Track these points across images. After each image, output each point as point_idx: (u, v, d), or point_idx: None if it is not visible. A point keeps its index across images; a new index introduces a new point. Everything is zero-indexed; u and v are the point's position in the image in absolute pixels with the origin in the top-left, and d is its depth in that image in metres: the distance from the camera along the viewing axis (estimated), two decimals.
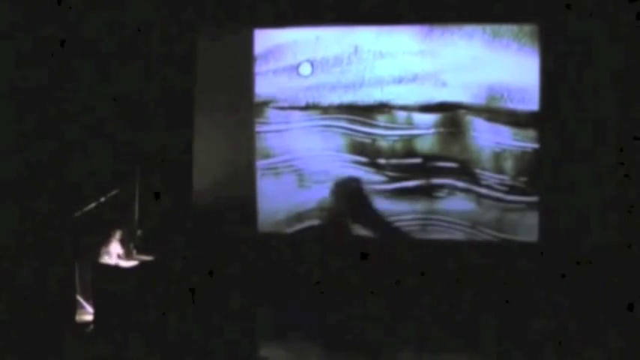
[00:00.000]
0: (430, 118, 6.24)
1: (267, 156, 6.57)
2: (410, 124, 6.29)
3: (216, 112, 6.59)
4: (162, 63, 6.49)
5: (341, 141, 6.45)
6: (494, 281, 6.10)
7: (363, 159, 6.42)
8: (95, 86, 6.16)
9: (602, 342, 5.27)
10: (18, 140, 5.71)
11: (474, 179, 6.21)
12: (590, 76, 5.87)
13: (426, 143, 6.28)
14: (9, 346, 5.24)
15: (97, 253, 5.91)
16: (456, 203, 6.25)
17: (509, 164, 6.16)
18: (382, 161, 6.39)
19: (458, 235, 6.29)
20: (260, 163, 6.58)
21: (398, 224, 6.38)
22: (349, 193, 6.42)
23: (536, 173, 6.11)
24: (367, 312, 6.00)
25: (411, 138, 6.30)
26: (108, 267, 5.84)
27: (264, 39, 6.50)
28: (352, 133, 6.41)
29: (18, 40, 5.76)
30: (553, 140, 6.04)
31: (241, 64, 6.54)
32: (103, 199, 6.09)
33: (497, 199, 6.19)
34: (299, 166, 6.54)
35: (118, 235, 5.97)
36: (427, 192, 6.31)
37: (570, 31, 5.91)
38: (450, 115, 6.21)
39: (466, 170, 6.22)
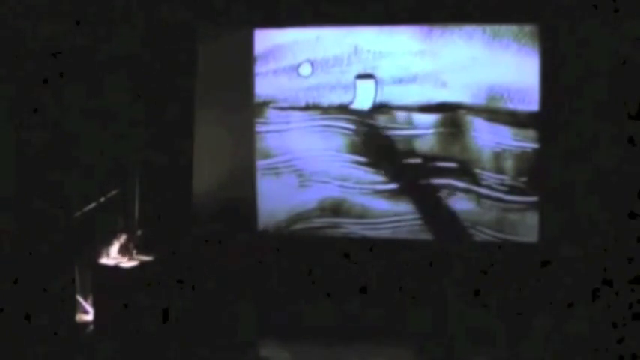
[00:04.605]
0: (430, 118, 6.24)
1: (267, 156, 6.57)
2: (410, 124, 6.29)
3: (216, 112, 6.59)
4: (161, 63, 6.48)
5: (341, 141, 6.45)
6: (495, 281, 6.09)
7: (363, 159, 6.42)
8: (95, 86, 6.17)
9: (601, 341, 5.28)
10: (17, 140, 5.71)
11: (474, 179, 6.21)
12: (590, 76, 5.86)
13: (426, 143, 6.27)
14: (9, 347, 5.25)
15: (97, 253, 5.92)
16: (456, 203, 6.25)
17: (509, 164, 6.16)
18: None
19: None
20: (260, 163, 6.58)
21: (398, 224, 6.38)
22: None
23: (536, 173, 6.10)
24: (367, 312, 6.01)
25: (411, 138, 6.30)
26: (108, 267, 5.85)
27: (264, 39, 6.50)
28: (352, 133, 6.41)
29: (16, 38, 5.77)
30: (553, 140, 6.03)
31: (241, 64, 6.54)
32: (103, 199, 6.09)
33: (498, 200, 6.19)
34: (299, 166, 6.54)
35: (118, 235, 5.98)
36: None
37: (570, 31, 5.90)
38: (450, 115, 6.20)
39: (466, 170, 6.21)
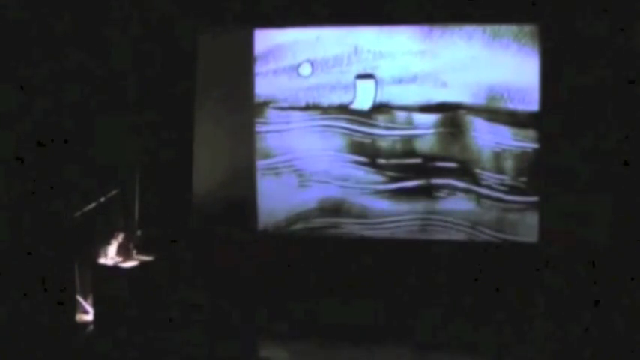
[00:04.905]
0: (430, 118, 6.24)
1: (267, 156, 6.57)
2: (410, 124, 6.29)
3: (216, 112, 6.60)
4: (161, 63, 6.49)
5: (341, 141, 6.45)
6: (495, 281, 6.09)
7: (363, 159, 6.42)
8: (95, 87, 6.17)
9: (602, 342, 5.28)
10: (17, 140, 5.72)
11: (474, 179, 6.21)
12: (590, 76, 5.86)
13: (426, 143, 6.27)
14: (9, 347, 5.25)
15: (97, 253, 5.92)
16: (456, 203, 6.25)
17: (509, 164, 6.16)
18: (382, 161, 6.39)
19: (458, 236, 6.28)
20: (260, 163, 6.58)
21: (398, 224, 6.38)
22: None
23: (536, 173, 6.10)
24: (367, 312, 6.00)
25: (411, 138, 6.30)
26: (108, 267, 5.85)
27: (264, 39, 6.50)
28: (352, 133, 6.41)
29: (15, 37, 5.77)
30: (553, 140, 6.03)
31: (241, 64, 6.54)
32: (103, 199, 6.09)
33: (498, 200, 6.19)
34: (299, 166, 6.54)
35: (118, 235, 5.98)
36: (427, 192, 6.30)
37: (570, 31, 5.90)
38: (450, 115, 6.20)
39: (466, 170, 6.21)
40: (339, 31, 6.39)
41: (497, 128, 6.14)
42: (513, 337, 5.51)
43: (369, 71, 6.34)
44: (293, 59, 6.47)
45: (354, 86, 6.36)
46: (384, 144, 6.37)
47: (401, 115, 6.31)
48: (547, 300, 5.92)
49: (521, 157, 6.13)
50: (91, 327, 5.81)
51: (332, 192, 6.49)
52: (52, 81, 5.92)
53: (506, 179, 6.17)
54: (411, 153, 6.31)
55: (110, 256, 5.91)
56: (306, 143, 6.49)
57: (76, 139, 6.02)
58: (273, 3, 6.36)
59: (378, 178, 6.40)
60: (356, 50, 6.37)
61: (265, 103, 6.55)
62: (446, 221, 6.29)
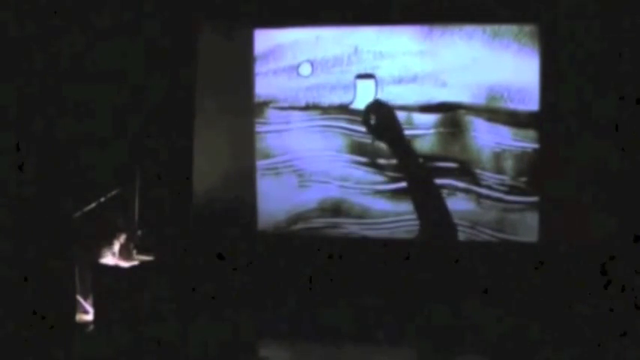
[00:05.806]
0: (430, 118, 6.24)
1: (267, 156, 6.57)
2: (410, 124, 6.29)
3: (216, 112, 6.59)
4: (161, 63, 6.49)
5: (341, 141, 6.45)
6: (495, 281, 6.10)
7: (363, 159, 6.42)
8: (95, 87, 6.17)
9: (601, 342, 5.28)
10: (17, 140, 5.72)
11: (474, 179, 6.21)
12: (590, 76, 5.87)
13: (426, 143, 6.28)
14: (9, 346, 5.25)
15: (97, 253, 5.92)
16: (456, 203, 6.25)
17: (509, 164, 6.16)
18: (382, 161, 6.39)
19: (458, 236, 6.28)
20: (260, 163, 6.58)
21: (398, 224, 6.38)
22: None
23: (536, 173, 6.10)
24: (367, 312, 6.01)
25: (411, 138, 6.30)
26: (108, 267, 5.85)
27: (264, 39, 6.50)
28: (352, 133, 6.41)
29: (17, 39, 5.77)
30: (553, 140, 6.03)
31: (241, 64, 6.54)
32: (103, 199, 6.09)
33: (498, 200, 6.19)
34: (299, 166, 6.54)
35: (118, 235, 5.98)
36: None
37: (570, 31, 5.90)
38: (450, 115, 6.21)
39: (466, 170, 6.22)
40: (339, 31, 6.39)
41: (497, 128, 6.14)
42: (513, 337, 5.51)
43: (369, 71, 6.35)
44: (293, 59, 6.47)
45: (354, 86, 6.37)
46: (384, 144, 6.37)
47: (401, 115, 6.31)
48: (547, 300, 5.92)
49: (521, 157, 6.13)
50: (91, 327, 5.81)
51: (332, 192, 6.49)
52: (51, 80, 5.92)
53: (506, 179, 6.17)
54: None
55: (110, 256, 5.91)
56: (306, 143, 6.50)
57: (76, 139, 6.02)
58: (273, 3, 6.37)
59: (378, 178, 6.40)
60: (356, 50, 6.38)
61: (265, 103, 6.55)
62: None
